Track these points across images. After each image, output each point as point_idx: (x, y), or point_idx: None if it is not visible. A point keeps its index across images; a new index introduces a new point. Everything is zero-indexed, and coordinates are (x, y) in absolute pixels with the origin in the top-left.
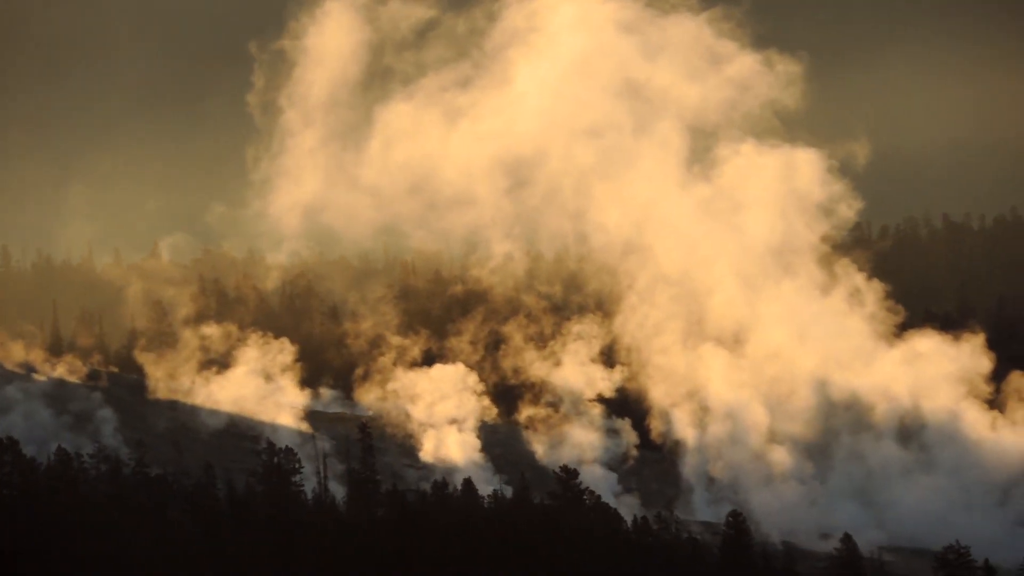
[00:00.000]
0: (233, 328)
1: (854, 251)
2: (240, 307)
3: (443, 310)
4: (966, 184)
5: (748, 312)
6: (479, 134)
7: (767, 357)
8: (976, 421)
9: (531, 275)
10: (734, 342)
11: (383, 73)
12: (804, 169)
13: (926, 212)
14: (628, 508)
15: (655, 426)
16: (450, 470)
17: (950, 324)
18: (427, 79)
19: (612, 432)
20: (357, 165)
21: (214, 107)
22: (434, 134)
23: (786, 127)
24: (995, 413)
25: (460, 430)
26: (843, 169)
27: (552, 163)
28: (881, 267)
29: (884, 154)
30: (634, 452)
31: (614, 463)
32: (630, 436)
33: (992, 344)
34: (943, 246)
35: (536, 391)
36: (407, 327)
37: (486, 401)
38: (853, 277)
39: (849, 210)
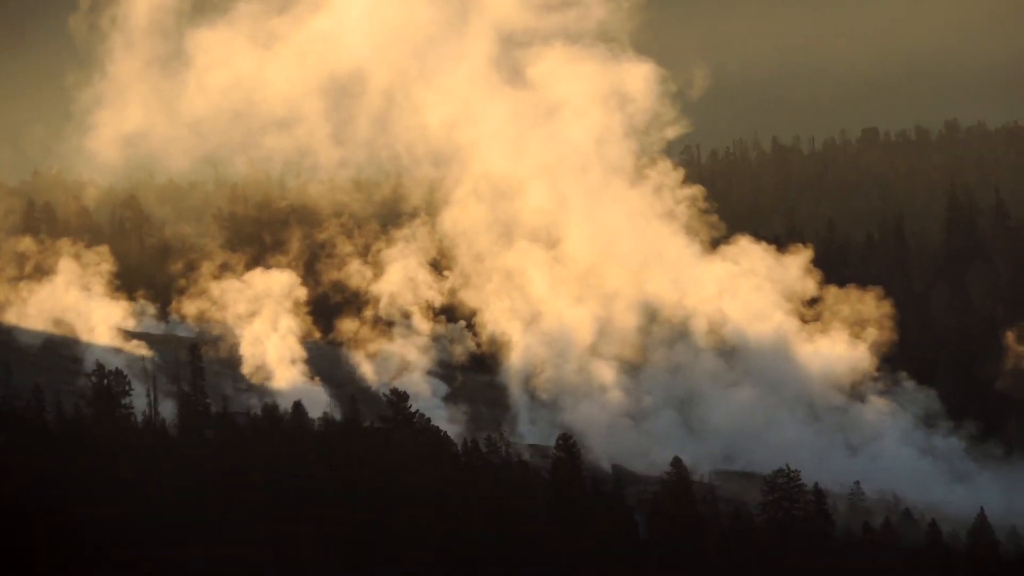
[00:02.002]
0: (49, 241)
1: (683, 173)
2: (65, 226)
3: (267, 229)
4: (796, 107)
5: (568, 222)
6: (299, 56)
7: (587, 269)
8: (796, 336)
9: (356, 188)
10: (554, 252)
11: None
12: (632, 84)
13: (755, 135)
14: (458, 425)
15: (482, 336)
16: (279, 392)
17: (778, 246)
18: (246, 4)
19: (441, 342)
20: (179, 92)
21: (41, 27)
22: (255, 59)
23: (621, 49)
24: (817, 329)
25: (287, 350)
26: (677, 94)
27: (372, 77)
28: (710, 190)
29: (716, 78)
30: (464, 361)
31: (443, 374)
32: (459, 345)
33: (821, 266)
34: (772, 169)
35: (362, 303)
36: (232, 245)
37: (311, 319)
38: (673, 189)
39: (676, 131)
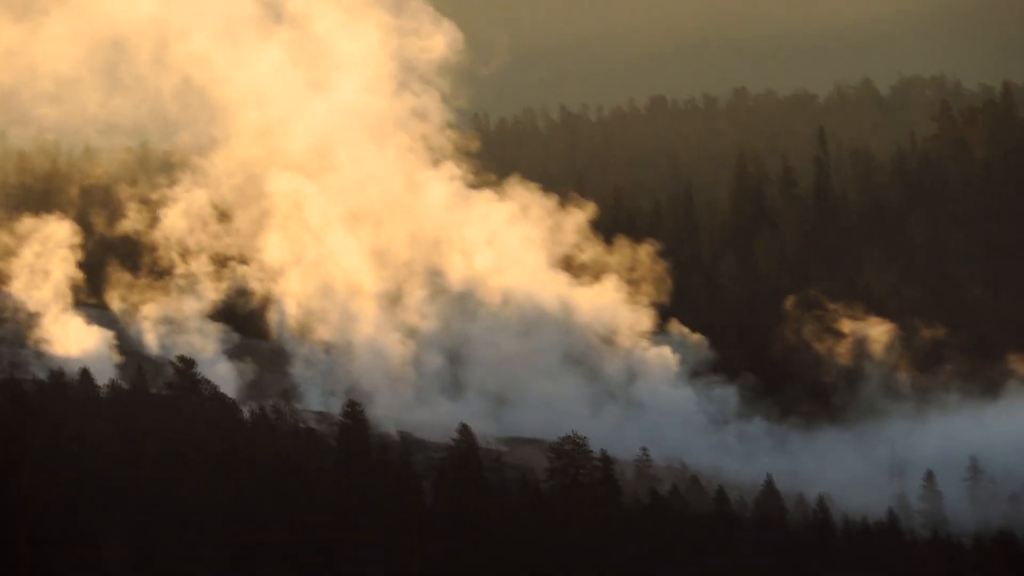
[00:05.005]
0: None
1: (469, 142)
2: None
3: (51, 196)
4: (583, 76)
5: (338, 167)
6: (67, 24)
7: (355, 215)
8: (569, 289)
9: (136, 147)
10: (323, 196)
11: None
12: (417, 37)
13: (543, 104)
14: (243, 381)
15: (261, 284)
16: (66, 358)
17: (560, 204)
18: None
19: (222, 291)
20: None
21: None
22: (22, 31)
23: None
24: (591, 282)
25: (66, 307)
26: (467, 64)
27: (139, 36)
28: (498, 159)
29: (509, 47)
30: (245, 309)
31: (226, 324)
32: (240, 294)
33: (608, 234)
34: (560, 138)
35: (140, 254)
36: (16, 210)
37: (91, 275)
38: (442, 131)
39: (461, 99)
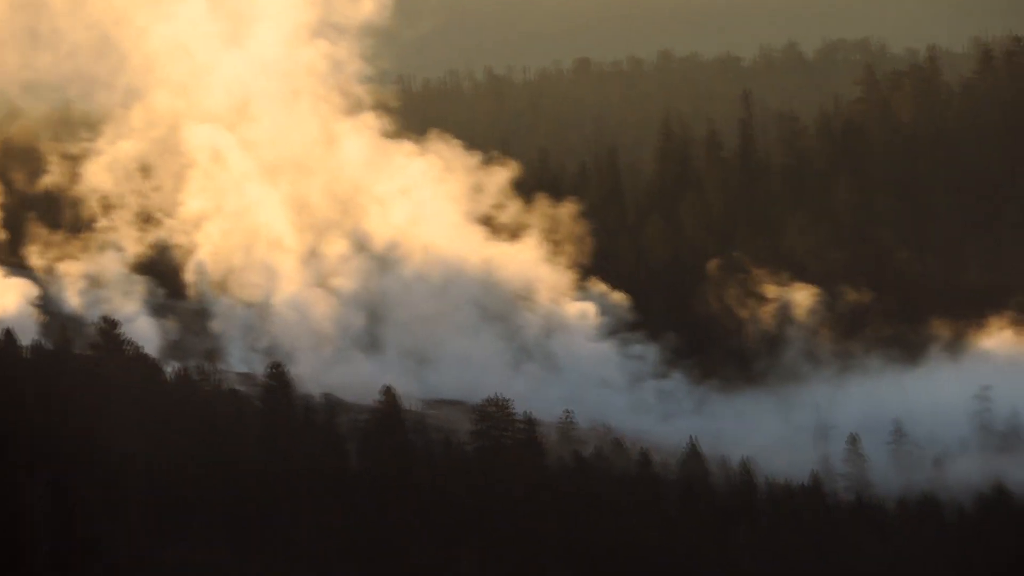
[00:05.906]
0: None
1: (390, 98)
2: None
3: None
4: (509, 37)
5: (256, 123)
6: None
7: (274, 169)
8: (488, 247)
9: (61, 107)
10: (242, 151)
11: None
12: (342, 3)
13: (468, 65)
14: (165, 332)
15: (183, 239)
16: None
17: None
18: None
19: (145, 246)
20: None
21: None
22: None
23: None
24: (510, 240)
25: None
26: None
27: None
28: (422, 120)
29: (435, 8)
30: (170, 266)
31: (153, 274)
32: (163, 249)
33: (531, 194)
34: (486, 100)
35: (61, 210)
36: None
37: (10, 234)
38: (358, 84)
39: (383, 60)
